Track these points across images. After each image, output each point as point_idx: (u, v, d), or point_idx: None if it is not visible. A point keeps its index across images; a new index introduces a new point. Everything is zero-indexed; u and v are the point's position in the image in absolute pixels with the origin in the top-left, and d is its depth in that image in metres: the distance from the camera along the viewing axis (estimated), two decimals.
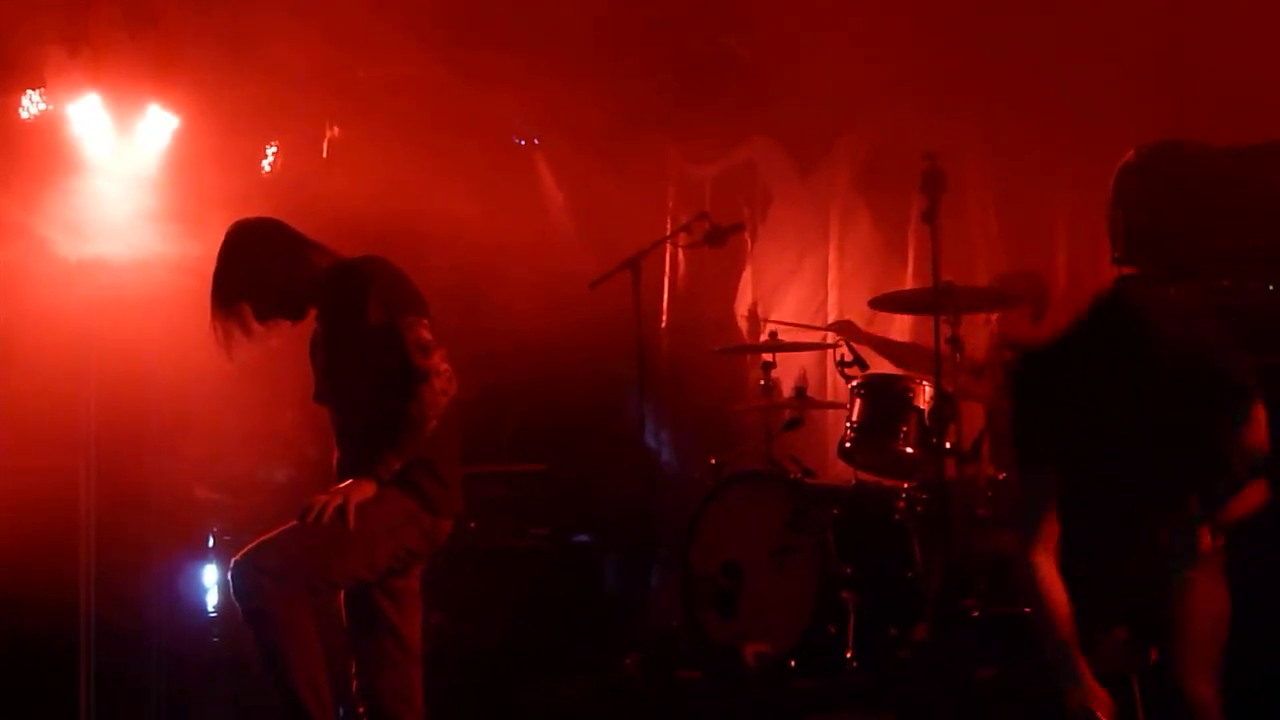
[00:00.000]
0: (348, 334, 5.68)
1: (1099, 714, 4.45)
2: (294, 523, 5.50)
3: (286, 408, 8.75)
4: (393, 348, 5.53)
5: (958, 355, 7.60)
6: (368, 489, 5.49)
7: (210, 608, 8.54)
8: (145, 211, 8.60)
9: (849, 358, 8.19)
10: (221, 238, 5.90)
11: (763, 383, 8.67)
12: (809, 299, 10.03)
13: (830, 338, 8.99)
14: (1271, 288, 6.02)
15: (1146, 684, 4.68)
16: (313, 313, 5.88)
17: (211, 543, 8.69)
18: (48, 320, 8.19)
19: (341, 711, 5.91)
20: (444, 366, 5.54)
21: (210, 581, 8.54)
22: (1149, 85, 7.78)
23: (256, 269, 5.77)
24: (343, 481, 5.56)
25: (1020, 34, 8.34)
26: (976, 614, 7.14)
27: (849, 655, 7.27)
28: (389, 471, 5.52)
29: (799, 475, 7.97)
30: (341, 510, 5.43)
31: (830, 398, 9.24)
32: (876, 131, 9.53)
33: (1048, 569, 4.65)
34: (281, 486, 8.73)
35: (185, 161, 8.77)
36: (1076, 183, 8.31)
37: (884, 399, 7.93)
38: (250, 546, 5.50)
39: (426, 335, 5.55)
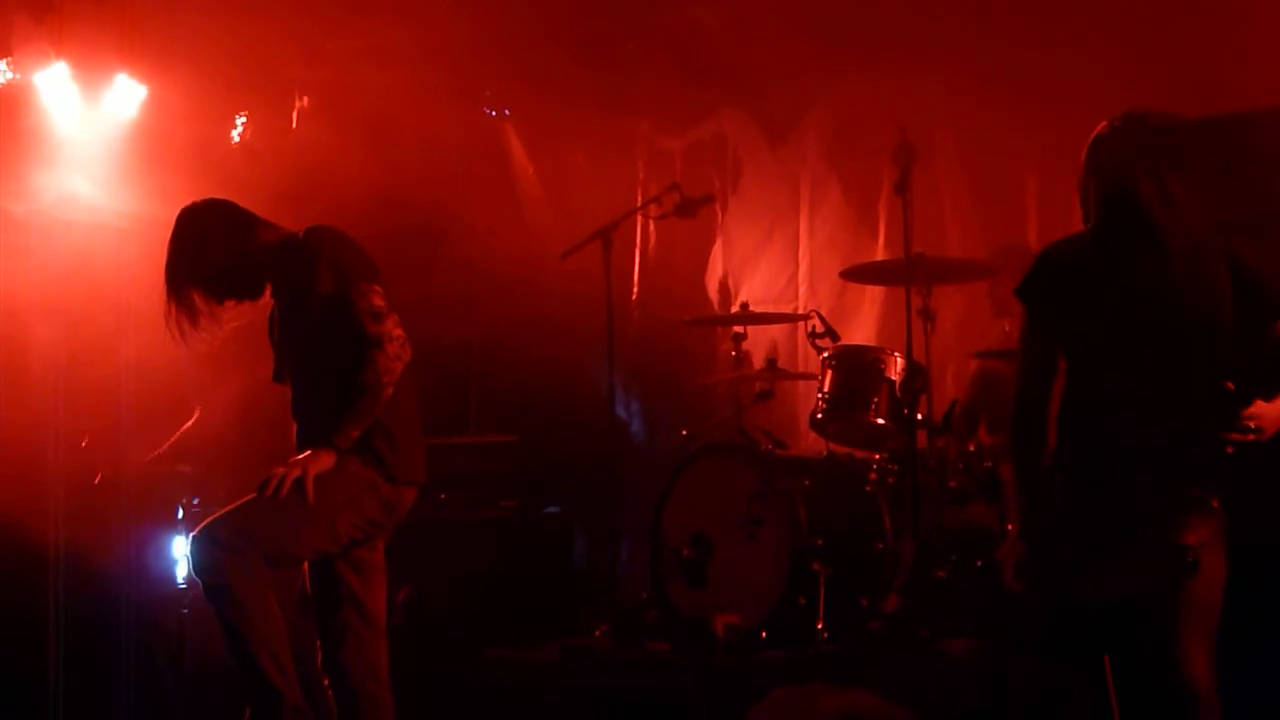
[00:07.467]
0: (300, 306, 5.65)
1: (1008, 565, 4.70)
2: (252, 495, 5.48)
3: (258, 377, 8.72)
4: (345, 316, 5.50)
5: (929, 326, 7.60)
6: (326, 459, 5.47)
7: (179, 579, 8.50)
8: (114, 182, 8.55)
9: (820, 329, 8.18)
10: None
11: (733, 354, 8.64)
12: (780, 270, 10.03)
13: (803, 309, 8.95)
14: None
15: (1127, 664, 4.57)
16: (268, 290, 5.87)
17: (181, 514, 8.64)
18: (13, 291, 8.13)
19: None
20: (397, 332, 5.52)
21: (179, 553, 8.50)
22: (1117, 54, 7.77)
23: (201, 253, 5.75)
24: (301, 454, 5.55)
25: (989, 3, 8.34)
26: (942, 576, 7.19)
27: (819, 627, 7.27)
28: (347, 440, 5.50)
29: (770, 447, 7.96)
30: (300, 482, 5.42)
31: (801, 369, 9.22)
32: (847, 103, 9.51)
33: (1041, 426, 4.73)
34: (252, 457, 8.68)
35: (154, 132, 8.71)
36: (1047, 153, 8.31)
37: (855, 370, 7.91)
38: (208, 520, 5.48)
39: (379, 302, 5.52)
